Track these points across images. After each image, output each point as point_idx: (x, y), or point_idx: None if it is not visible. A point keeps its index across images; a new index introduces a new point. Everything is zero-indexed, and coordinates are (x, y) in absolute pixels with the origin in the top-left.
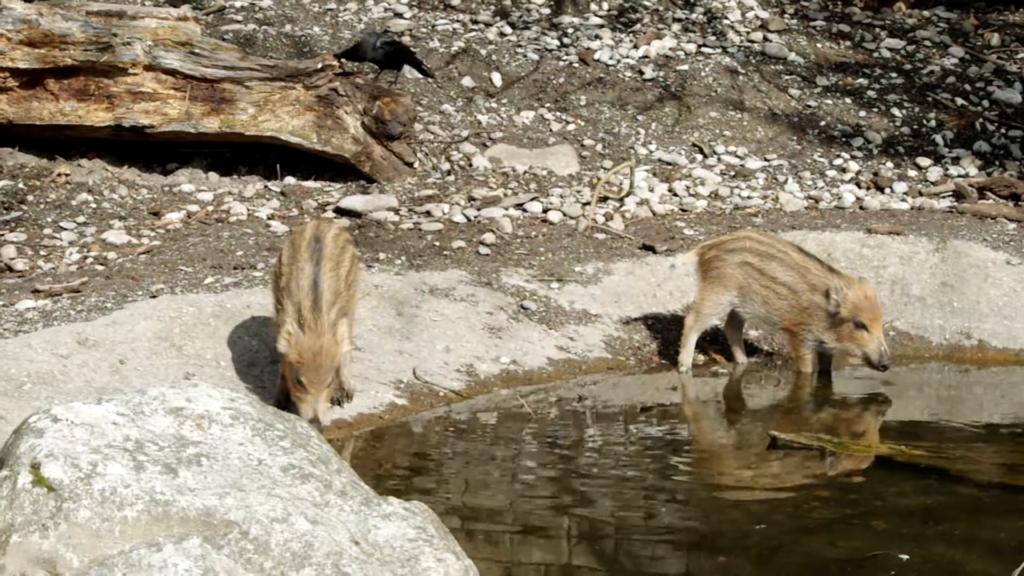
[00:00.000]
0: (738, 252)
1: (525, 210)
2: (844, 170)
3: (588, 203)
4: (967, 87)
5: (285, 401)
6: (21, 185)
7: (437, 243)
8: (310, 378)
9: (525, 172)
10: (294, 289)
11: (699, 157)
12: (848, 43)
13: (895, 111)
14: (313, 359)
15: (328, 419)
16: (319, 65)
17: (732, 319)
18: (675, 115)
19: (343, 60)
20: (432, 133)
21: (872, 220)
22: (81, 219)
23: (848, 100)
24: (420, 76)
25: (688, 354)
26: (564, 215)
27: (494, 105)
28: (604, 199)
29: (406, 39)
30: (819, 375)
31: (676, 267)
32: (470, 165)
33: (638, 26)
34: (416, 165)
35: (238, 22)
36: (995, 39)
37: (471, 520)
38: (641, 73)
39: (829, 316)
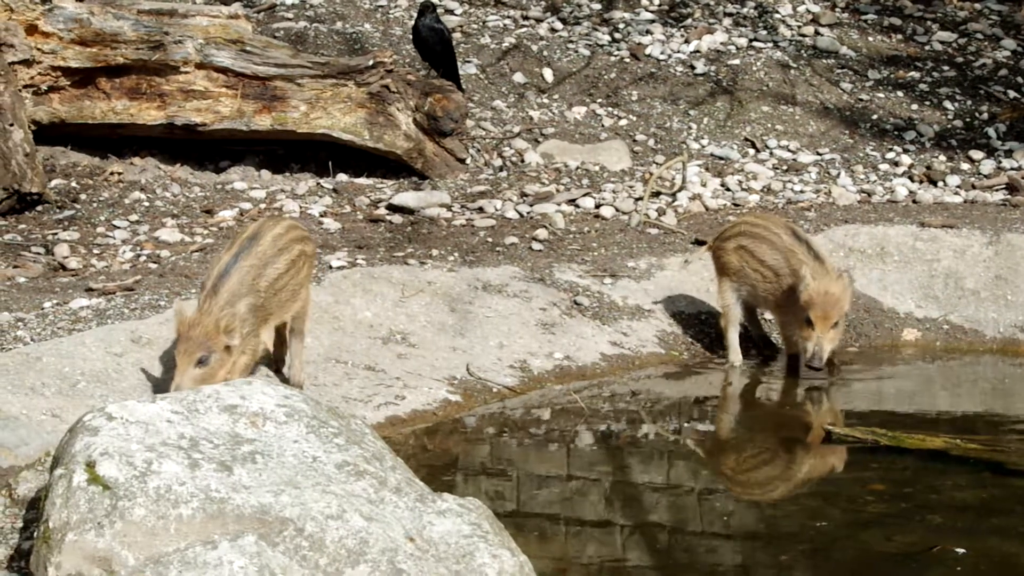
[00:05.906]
0: (734, 238)
1: (577, 206)
2: (897, 164)
3: (640, 198)
4: (1020, 79)
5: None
6: (74, 184)
7: (490, 239)
8: (180, 348)
9: (577, 168)
10: (207, 275)
11: (751, 151)
12: (900, 36)
13: (947, 104)
14: (188, 330)
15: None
16: (371, 62)
17: (747, 310)
18: (727, 109)
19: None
20: (484, 129)
21: (925, 214)
22: (134, 217)
23: (900, 93)
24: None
25: (735, 351)
26: (616, 210)
27: (546, 101)
28: (656, 194)
29: (457, 35)
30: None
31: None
32: (522, 161)
33: (689, 21)
34: (468, 161)
35: (289, 20)
36: None
37: (526, 516)
38: (692, 68)
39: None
